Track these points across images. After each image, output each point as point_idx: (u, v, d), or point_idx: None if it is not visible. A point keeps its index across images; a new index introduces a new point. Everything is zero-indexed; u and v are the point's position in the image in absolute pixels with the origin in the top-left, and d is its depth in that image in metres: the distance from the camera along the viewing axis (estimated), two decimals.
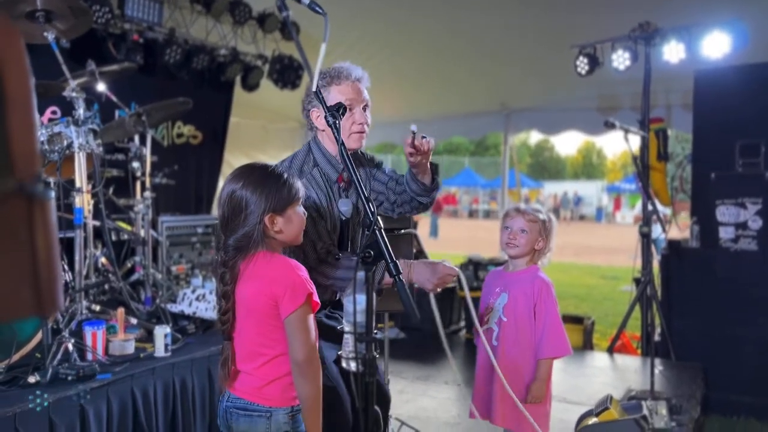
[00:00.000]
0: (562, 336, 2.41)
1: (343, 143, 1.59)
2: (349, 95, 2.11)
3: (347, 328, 1.54)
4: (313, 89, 1.57)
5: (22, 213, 0.59)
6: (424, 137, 2.00)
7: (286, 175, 1.75)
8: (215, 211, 6.04)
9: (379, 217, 1.49)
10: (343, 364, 1.57)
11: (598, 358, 5.17)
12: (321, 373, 1.69)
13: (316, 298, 1.69)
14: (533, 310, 2.43)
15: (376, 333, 1.45)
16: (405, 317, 1.91)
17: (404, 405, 3.93)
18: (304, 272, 1.71)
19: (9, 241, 0.60)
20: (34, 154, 0.53)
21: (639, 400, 3.32)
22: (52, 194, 0.58)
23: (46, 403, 2.39)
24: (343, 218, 2.16)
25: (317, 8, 1.57)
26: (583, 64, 5.46)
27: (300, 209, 1.78)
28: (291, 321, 1.66)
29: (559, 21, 5.51)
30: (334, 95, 2.10)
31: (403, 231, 2.77)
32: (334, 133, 1.58)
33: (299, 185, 1.79)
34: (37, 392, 2.40)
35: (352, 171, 1.59)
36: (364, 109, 2.18)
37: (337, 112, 1.59)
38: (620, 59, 5.19)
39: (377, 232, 1.45)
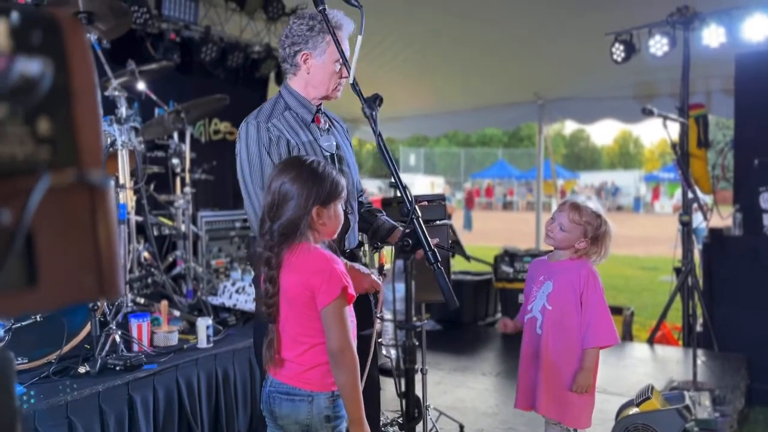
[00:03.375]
0: (609, 325, 2.39)
1: (380, 133, 1.61)
2: (345, 49, 2.08)
3: (387, 316, 1.57)
4: (350, 82, 1.59)
5: (85, 202, 0.63)
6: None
7: (334, 172, 1.81)
8: None
9: (417, 207, 1.50)
10: (384, 352, 1.59)
11: (638, 349, 5.11)
12: (357, 362, 1.72)
13: (351, 291, 1.73)
14: (579, 299, 2.40)
15: (416, 323, 1.47)
16: (444, 305, 1.90)
17: (442, 396, 3.95)
18: (340, 265, 1.75)
19: (74, 230, 0.63)
20: (99, 145, 0.56)
21: (681, 390, 3.27)
22: (112, 184, 0.61)
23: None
24: (326, 153, 2.17)
25: (353, 1, 1.59)
26: (619, 52, 5.37)
27: (340, 207, 1.83)
28: (327, 313, 1.71)
29: (593, 8, 5.42)
30: (332, 48, 2.06)
31: (438, 222, 2.78)
32: (371, 124, 1.60)
33: (344, 183, 1.83)
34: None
35: (391, 163, 1.61)
36: None
37: (374, 102, 1.61)
38: (658, 45, 5.08)
39: (415, 221, 1.46)
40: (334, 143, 2.20)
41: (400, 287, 1.47)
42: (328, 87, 2.17)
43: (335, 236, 1.83)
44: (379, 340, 1.62)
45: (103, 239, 0.65)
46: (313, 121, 2.21)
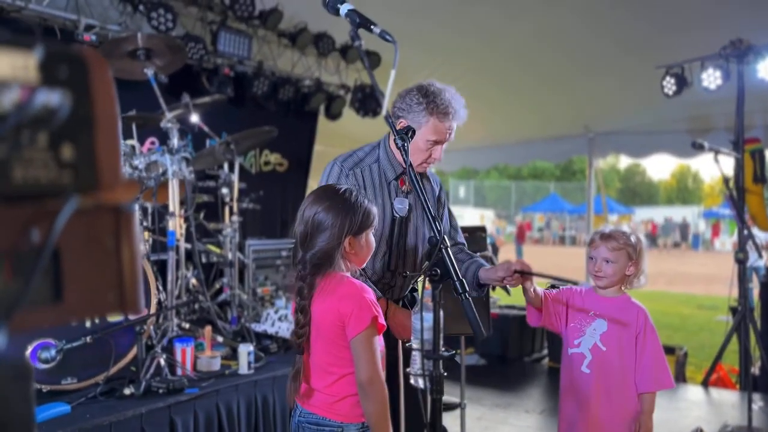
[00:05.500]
0: (666, 368, 2.31)
1: (411, 164, 1.64)
2: (442, 135, 2.13)
3: (415, 345, 1.57)
4: (383, 114, 1.63)
5: (110, 224, 0.67)
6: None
7: (366, 202, 1.82)
8: None
9: (445, 236, 1.51)
10: (411, 381, 1.59)
11: (692, 392, 4.90)
12: (386, 393, 1.71)
13: (381, 320, 1.72)
14: (635, 340, 2.33)
15: (443, 351, 1.47)
16: (473, 336, 1.85)
17: None
18: (370, 294, 1.75)
19: (98, 250, 0.67)
20: (119, 169, 0.60)
21: None
22: (136, 207, 0.65)
23: None
24: (396, 216, 2.17)
25: (387, 37, 1.63)
26: (670, 85, 5.29)
27: (372, 235, 1.85)
28: (356, 342, 1.70)
29: (643, 41, 5.37)
30: (429, 127, 2.11)
31: (478, 254, 2.77)
32: (403, 156, 1.63)
33: (375, 212, 1.84)
34: None
35: (421, 194, 1.63)
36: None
37: (406, 135, 1.64)
38: (710, 78, 4.99)
39: (443, 250, 1.47)
40: (407, 207, 2.21)
41: (428, 317, 1.48)
42: (413, 160, 2.19)
43: (364, 265, 1.84)
44: (407, 369, 1.62)
45: (126, 259, 0.70)
46: (396, 179, 2.24)
